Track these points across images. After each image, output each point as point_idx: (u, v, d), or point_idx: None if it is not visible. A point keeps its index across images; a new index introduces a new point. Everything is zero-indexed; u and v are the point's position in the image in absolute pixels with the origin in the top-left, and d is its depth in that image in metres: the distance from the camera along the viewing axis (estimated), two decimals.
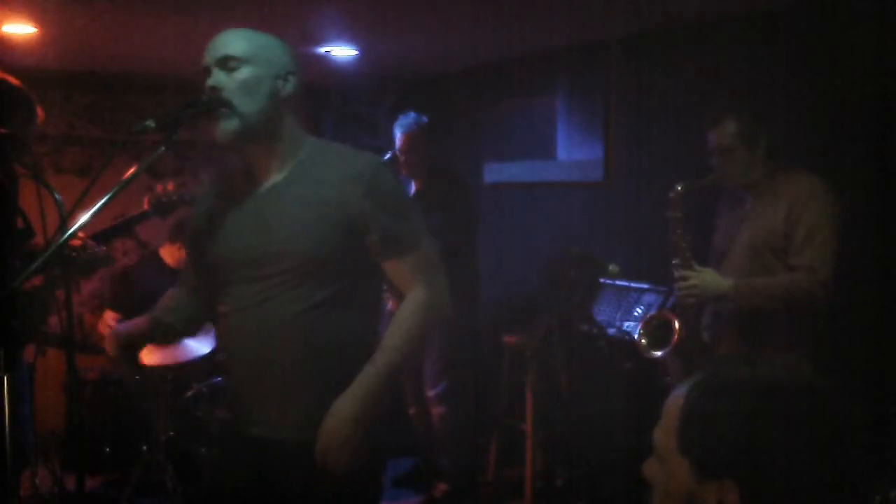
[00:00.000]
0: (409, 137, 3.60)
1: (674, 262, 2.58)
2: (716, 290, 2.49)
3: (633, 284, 3.41)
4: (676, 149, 3.45)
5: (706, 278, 2.51)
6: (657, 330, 2.67)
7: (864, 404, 2.26)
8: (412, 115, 3.66)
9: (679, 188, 2.60)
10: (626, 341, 3.25)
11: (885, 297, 2.60)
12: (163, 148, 1.56)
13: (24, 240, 2.65)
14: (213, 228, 1.77)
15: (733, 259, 2.58)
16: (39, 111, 2.66)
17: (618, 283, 3.46)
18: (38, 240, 2.55)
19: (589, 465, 3.39)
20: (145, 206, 2.77)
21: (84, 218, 1.43)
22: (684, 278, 2.54)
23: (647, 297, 3.33)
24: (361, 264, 1.73)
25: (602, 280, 3.51)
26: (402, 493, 3.79)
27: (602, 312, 3.44)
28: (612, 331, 3.32)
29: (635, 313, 3.33)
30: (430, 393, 3.65)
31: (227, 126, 1.65)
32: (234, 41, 1.69)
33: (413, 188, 3.71)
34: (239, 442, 1.78)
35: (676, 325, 2.59)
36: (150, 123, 1.55)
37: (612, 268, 3.32)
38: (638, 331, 2.73)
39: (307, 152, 1.76)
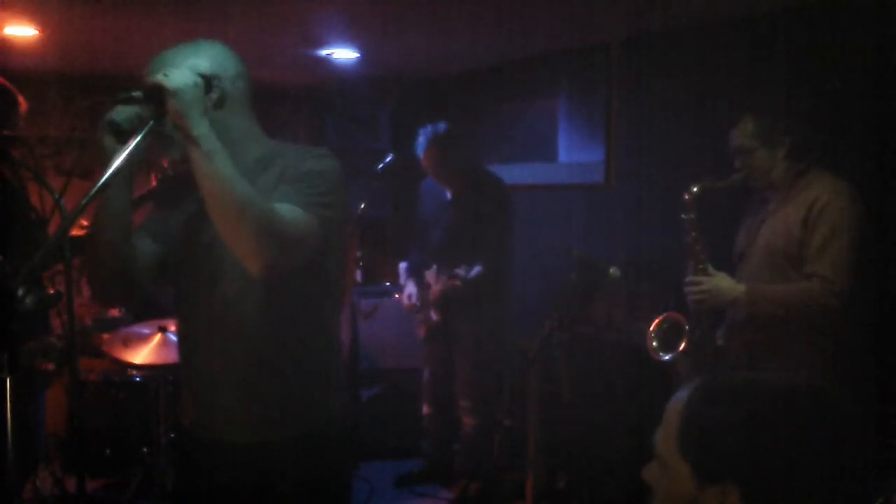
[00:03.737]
0: (428, 157, 3.54)
1: (688, 264, 2.54)
2: (728, 294, 2.44)
3: (634, 286, 3.41)
4: (677, 151, 3.45)
5: (718, 283, 2.46)
6: (668, 332, 2.63)
7: (866, 405, 2.25)
8: (429, 129, 3.55)
9: (694, 189, 2.53)
10: (627, 344, 3.25)
11: (884, 297, 2.59)
12: (152, 122, 1.52)
13: (38, 230, 2.66)
14: (177, 228, 1.74)
15: (750, 262, 2.53)
16: (21, 101, 2.67)
17: (619, 285, 3.45)
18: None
19: (590, 468, 3.39)
20: (153, 184, 2.78)
21: (83, 200, 1.39)
22: (695, 283, 2.49)
23: (649, 299, 3.33)
24: (317, 266, 1.69)
25: (604, 282, 3.51)
26: (409, 493, 3.78)
27: (604, 314, 3.44)
28: (613, 332, 3.32)
29: (637, 315, 3.33)
30: (465, 403, 3.65)
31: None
32: (162, 65, 1.64)
33: (446, 194, 3.66)
34: (201, 448, 1.76)
35: (687, 328, 2.56)
36: (137, 94, 1.54)
37: (612, 271, 3.32)
38: (649, 333, 2.68)
39: (259, 155, 1.72)
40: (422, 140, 3.56)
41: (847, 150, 2.74)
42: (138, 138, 1.50)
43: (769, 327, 2.43)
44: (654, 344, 2.65)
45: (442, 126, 3.56)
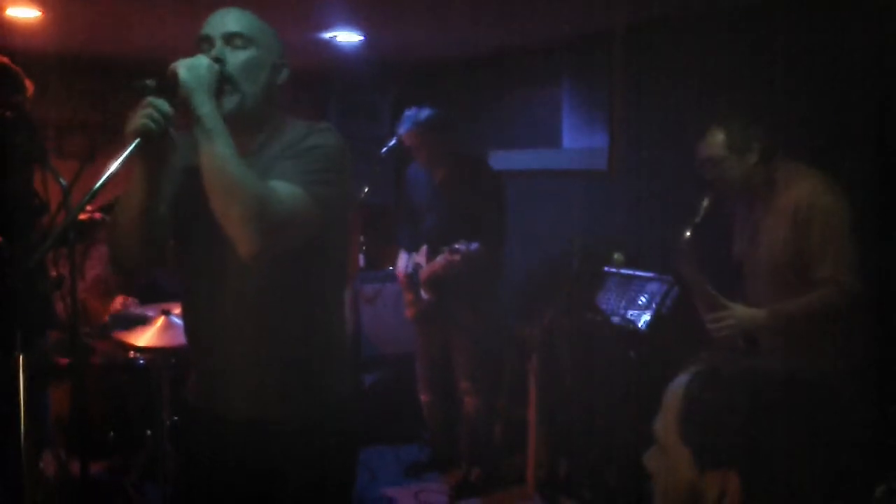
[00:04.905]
0: (411, 138, 3.49)
1: (697, 304, 2.55)
2: (752, 323, 2.44)
3: (637, 273, 3.41)
4: (680, 138, 3.44)
5: (739, 314, 2.46)
6: None
7: (867, 394, 2.25)
8: (413, 111, 3.50)
9: (686, 234, 2.52)
10: (629, 330, 3.25)
11: (885, 293, 2.58)
12: (168, 108, 1.53)
13: (40, 215, 2.67)
14: (187, 202, 1.73)
15: (756, 278, 2.53)
16: (28, 84, 2.67)
17: (622, 271, 3.45)
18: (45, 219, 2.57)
19: (592, 455, 3.40)
20: None
21: (95, 186, 1.41)
22: (718, 319, 2.49)
23: (652, 286, 3.33)
24: (319, 245, 1.69)
25: (606, 268, 3.51)
26: (417, 480, 3.79)
27: (606, 301, 3.44)
28: (615, 319, 3.32)
29: (639, 302, 3.33)
30: (466, 385, 3.63)
31: (227, 103, 1.62)
32: (242, 19, 1.69)
33: (433, 179, 3.61)
34: (206, 425, 1.77)
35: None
36: (151, 82, 1.54)
37: (616, 256, 3.32)
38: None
39: (271, 130, 1.73)
40: (405, 122, 3.49)
41: (849, 144, 2.73)
42: (134, 145, 1.49)
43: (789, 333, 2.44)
44: None
45: (426, 110, 3.50)
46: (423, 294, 3.59)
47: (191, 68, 1.54)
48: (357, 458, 1.90)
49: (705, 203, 2.52)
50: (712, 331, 2.52)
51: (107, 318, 3.67)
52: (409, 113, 3.51)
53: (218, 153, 1.52)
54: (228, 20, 1.68)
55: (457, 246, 3.30)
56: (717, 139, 2.47)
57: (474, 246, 3.30)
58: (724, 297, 2.51)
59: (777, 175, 2.45)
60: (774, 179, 2.45)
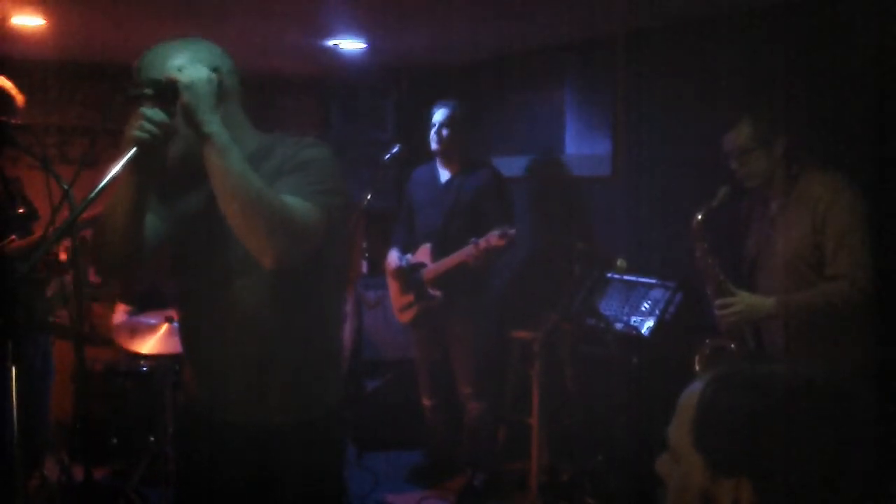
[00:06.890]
0: (447, 125, 3.57)
1: (707, 291, 2.55)
2: (761, 310, 2.45)
3: (640, 279, 3.41)
4: (684, 144, 3.44)
5: (748, 300, 2.46)
6: (711, 357, 2.62)
7: (880, 397, 2.25)
8: (451, 102, 3.64)
9: (699, 217, 2.54)
10: (632, 336, 3.25)
11: (886, 294, 2.58)
12: (163, 117, 1.52)
13: (28, 221, 2.68)
14: (184, 210, 1.74)
15: (770, 271, 2.53)
16: (17, 95, 2.68)
17: (625, 277, 3.45)
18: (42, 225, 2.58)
19: (594, 460, 3.39)
20: None
21: (91, 194, 1.41)
22: (726, 304, 2.49)
23: (655, 293, 3.33)
24: (320, 254, 1.69)
25: (609, 275, 3.51)
26: (419, 486, 3.78)
27: (609, 307, 3.43)
28: (618, 326, 3.31)
29: (642, 308, 3.32)
30: (468, 390, 3.63)
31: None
32: (153, 63, 1.65)
33: (445, 175, 3.66)
34: (200, 425, 1.78)
35: (732, 347, 2.54)
36: (149, 90, 1.54)
37: (619, 263, 3.31)
38: (695, 363, 2.63)
39: (254, 148, 1.71)
40: (445, 109, 3.60)
41: (847, 149, 2.73)
42: (131, 154, 1.49)
43: (802, 326, 2.44)
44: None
45: (465, 105, 3.62)
46: (432, 292, 3.57)
47: (190, 84, 1.53)
48: (342, 467, 1.91)
49: (723, 190, 2.53)
50: (718, 318, 2.52)
51: (110, 323, 3.67)
52: (447, 102, 3.62)
53: (234, 169, 1.52)
54: (145, 72, 1.63)
55: (499, 231, 3.21)
56: (746, 130, 2.49)
57: (513, 230, 3.25)
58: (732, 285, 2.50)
59: (798, 172, 2.47)
60: (795, 176, 2.47)
